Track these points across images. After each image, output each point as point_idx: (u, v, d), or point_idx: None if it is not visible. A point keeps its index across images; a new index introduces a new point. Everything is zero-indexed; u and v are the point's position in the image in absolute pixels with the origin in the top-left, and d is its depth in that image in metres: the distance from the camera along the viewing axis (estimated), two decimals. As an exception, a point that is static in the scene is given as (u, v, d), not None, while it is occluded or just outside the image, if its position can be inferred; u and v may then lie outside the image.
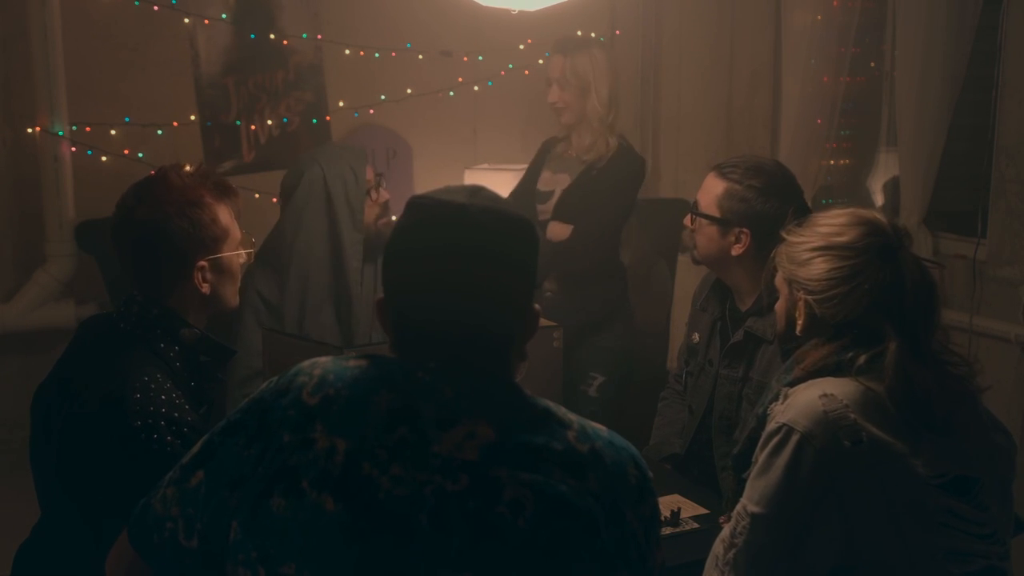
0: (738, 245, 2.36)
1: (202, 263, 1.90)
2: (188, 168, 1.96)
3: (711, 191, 2.41)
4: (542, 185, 3.40)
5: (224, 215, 1.95)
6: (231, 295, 2.00)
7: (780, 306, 1.92)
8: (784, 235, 1.89)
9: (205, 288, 1.92)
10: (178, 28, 3.76)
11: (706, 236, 2.42)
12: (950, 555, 1.69)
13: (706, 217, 2.40)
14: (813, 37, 3.96)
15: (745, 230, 2.34)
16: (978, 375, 1.79)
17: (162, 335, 1.87)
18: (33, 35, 3.58)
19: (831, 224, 1.82)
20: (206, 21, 3.78)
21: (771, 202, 2.33)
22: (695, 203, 2.44)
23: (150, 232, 1.87)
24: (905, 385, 1.68)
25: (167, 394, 1.77)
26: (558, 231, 3.30)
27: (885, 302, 1.73)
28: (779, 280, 1.90)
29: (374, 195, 2.99)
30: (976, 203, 3.36)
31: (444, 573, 1.21)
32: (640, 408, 3.32)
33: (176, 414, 1.75)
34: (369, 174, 2.98)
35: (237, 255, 1.98)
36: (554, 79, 3.34)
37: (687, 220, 2.46)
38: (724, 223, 2.37)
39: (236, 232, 1.99)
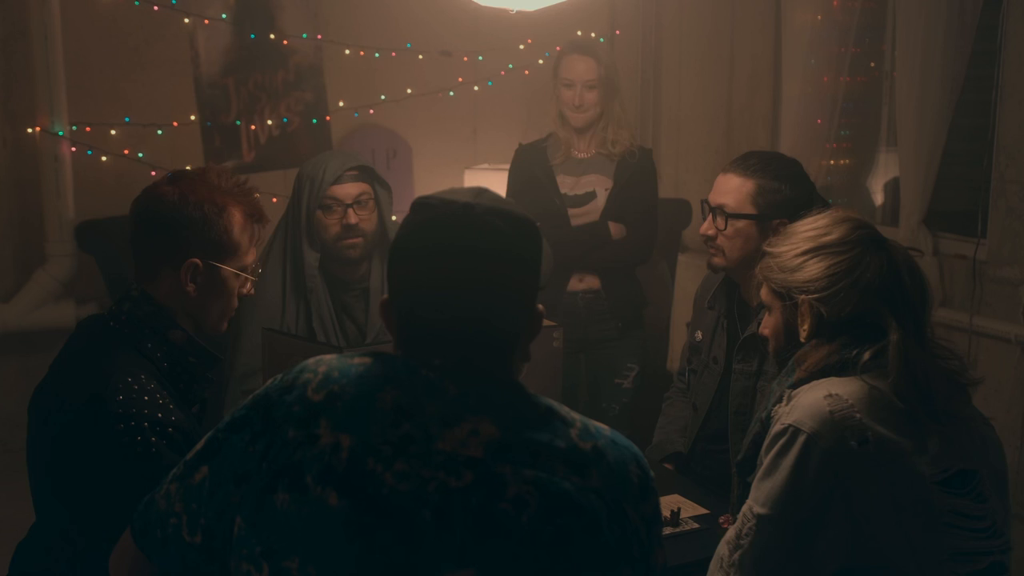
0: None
1: (195, 260, 1.85)
2: (234, 177, 1.94)
3: (739, 191, 2.36)
4: (569, 189, 3.38)
5: (240, 234, 1.90)
6: (216, 315, 1.93)
7: (773, 320, 1.89)
8: (765, 248, 1.89)
9: (190, 288, 1.86)
10: (178, 28, 3.76)
11: (743, 237, 2.36)
12: (956, 555, 1.68)
13: (744, 217, 2.35)
14: (813, 37, 3.97)
15: (785, 220, 2.27)
16: (969, 369, 1.81)
17: (150, 334, 1.85)
18: (33, 35, 3.59)
19: (815, 227, 1.83)
20: (206, 21, 3.78)
21: (799, 188, 2.35)
22: (721, 207, 2.37)
23: (162, 206, 1.85)
24: (910, 375, 1.69)
25: (150, 395, 1.75)
26: (618, 231, 3.36)
27: (886, 290, 1.74)
28: (766, 294, 1.89)
29: (340, 211, 2.70)
30: (976, 203, 3.37)
31: (447, 568, 1.21)
32: (640, 407, 3.33)
33: (160, 414, 1.73)
34: (351, 189, 2.71)
35: (236, 276, 1.92)
36: (584, 82, 3.33)
37: (708, 229, 2.39)
38: (763, 219, 2.34)
39: (246, 257, 1.93)
